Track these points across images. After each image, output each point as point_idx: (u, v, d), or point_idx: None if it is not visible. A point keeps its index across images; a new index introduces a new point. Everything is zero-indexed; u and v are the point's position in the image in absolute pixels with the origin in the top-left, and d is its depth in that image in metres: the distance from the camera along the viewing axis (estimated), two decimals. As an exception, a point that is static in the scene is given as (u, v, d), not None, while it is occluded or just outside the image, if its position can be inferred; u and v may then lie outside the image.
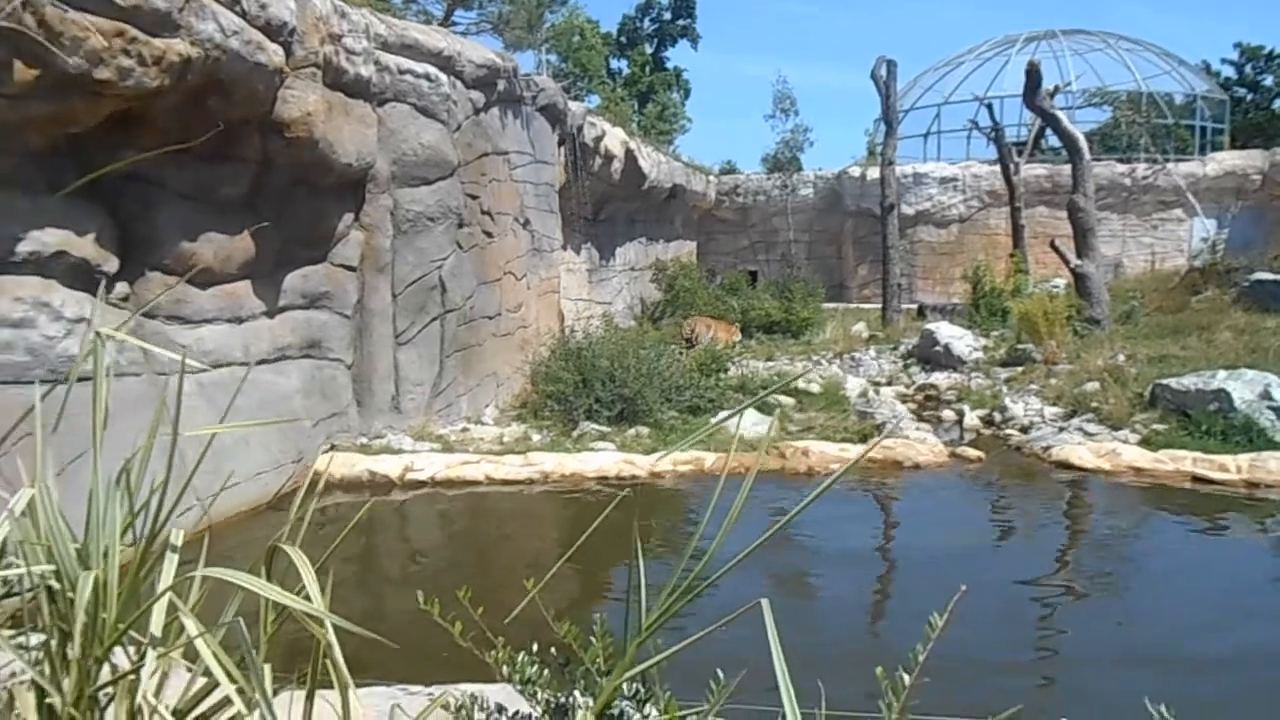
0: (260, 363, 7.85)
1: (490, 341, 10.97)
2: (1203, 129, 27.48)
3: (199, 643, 0.87)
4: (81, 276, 6.10)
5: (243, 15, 6.52)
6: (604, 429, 9.81)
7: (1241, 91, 37.16)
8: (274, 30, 6.90)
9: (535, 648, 1.36)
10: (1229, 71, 37.88)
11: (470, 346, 10.46)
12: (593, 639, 1.29)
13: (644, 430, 9.76)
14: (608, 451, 9.03)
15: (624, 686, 1.15)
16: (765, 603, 1.05)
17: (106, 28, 5.39)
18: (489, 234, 10.84)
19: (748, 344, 16.34)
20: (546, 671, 1.30)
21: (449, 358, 10.02)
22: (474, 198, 10.42)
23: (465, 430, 9.80)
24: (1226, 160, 25.88)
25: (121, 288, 6.64)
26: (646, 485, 8.27)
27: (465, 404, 10.39)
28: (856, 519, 7.66)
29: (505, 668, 1.33)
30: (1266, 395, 9.08)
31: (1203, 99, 27.75)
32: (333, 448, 8.75)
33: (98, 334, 1.18)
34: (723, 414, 10.34)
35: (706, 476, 8.43)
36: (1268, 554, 6.79)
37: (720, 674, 1.26)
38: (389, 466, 8.35)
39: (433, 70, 9.47)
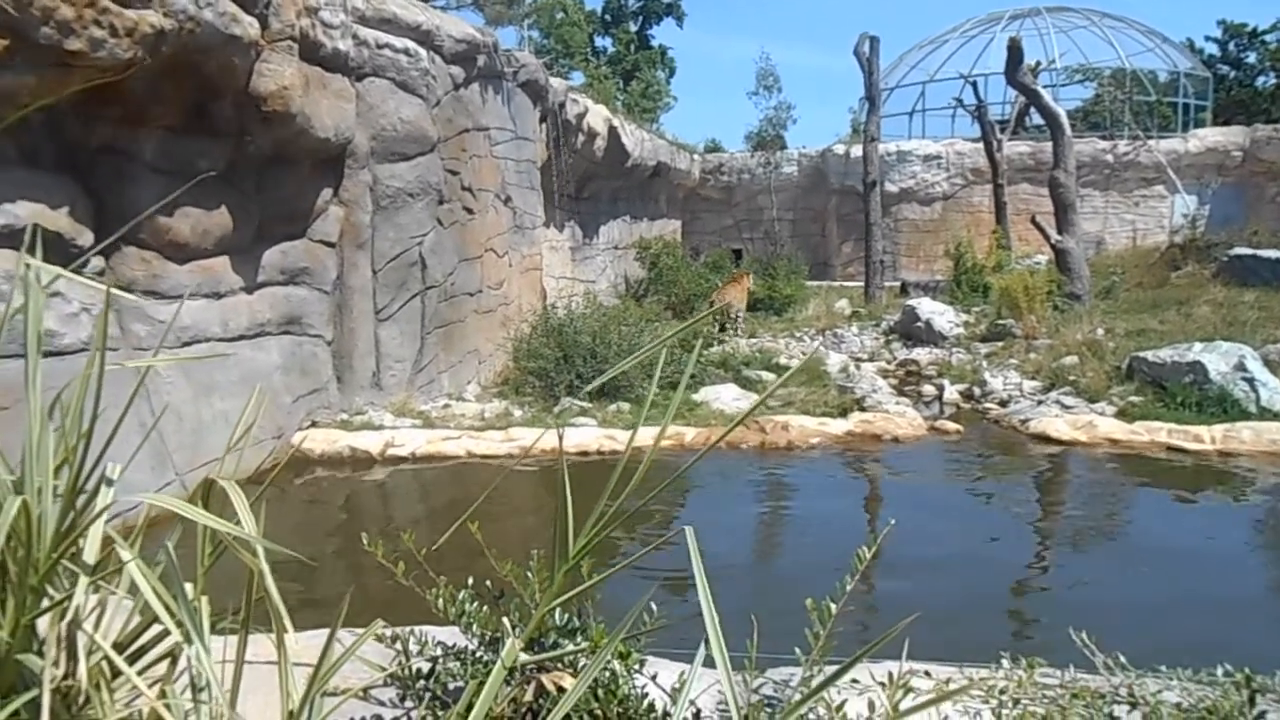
0: (239, 338, 7.84)
1: (472, 318, 10.96)
2: (1185, 106, 27.57)
3: (132, 568, 0.89)
4: (56, 250, 6.06)
5: (216, -13, 6.46)
6: (585, 404, 9.84)
7: (1225, 69, 37.32)
8: (249, 2, 6.84)
9: (471, 582, 1.38)
10: (1212, 49, 38.01)
11: (452, 323, 10.45)
12: (529, 574, 1.31)
13: (625, 406, 9.79)
14: (589, 427, 9.06)
15: (555, 616, 1.18)
16: (689, 530, 1.08)
17: (77, -2, 5.33)
18: (470, 210, 10.81)
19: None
20: (486, 609, 1.33)
21: (430, 334, 10.01)
22: (454, 174, 10.38)
23: (447, 406, 9.81)
24: (1208, 137, 25.98)
25: (97, 262, 6.61)
26: (632, 462, 8.29)
27: (447, 380, 10.40)
28: (832, 486, 7.75)
29: (443, 603, 1.35)
30: (1241, 367, 9.18)
31: (1186, 76, 27.82)
32: (313, 424, 8.76)
33: (26, 265, 1.18)
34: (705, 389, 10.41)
35: (688, 451, 8.48)
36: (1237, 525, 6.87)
37: (654, 608, 1.29)
38: (369, 442, 8.36)
39: (412, 45, 9.41)
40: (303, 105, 7.75)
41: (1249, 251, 15.19)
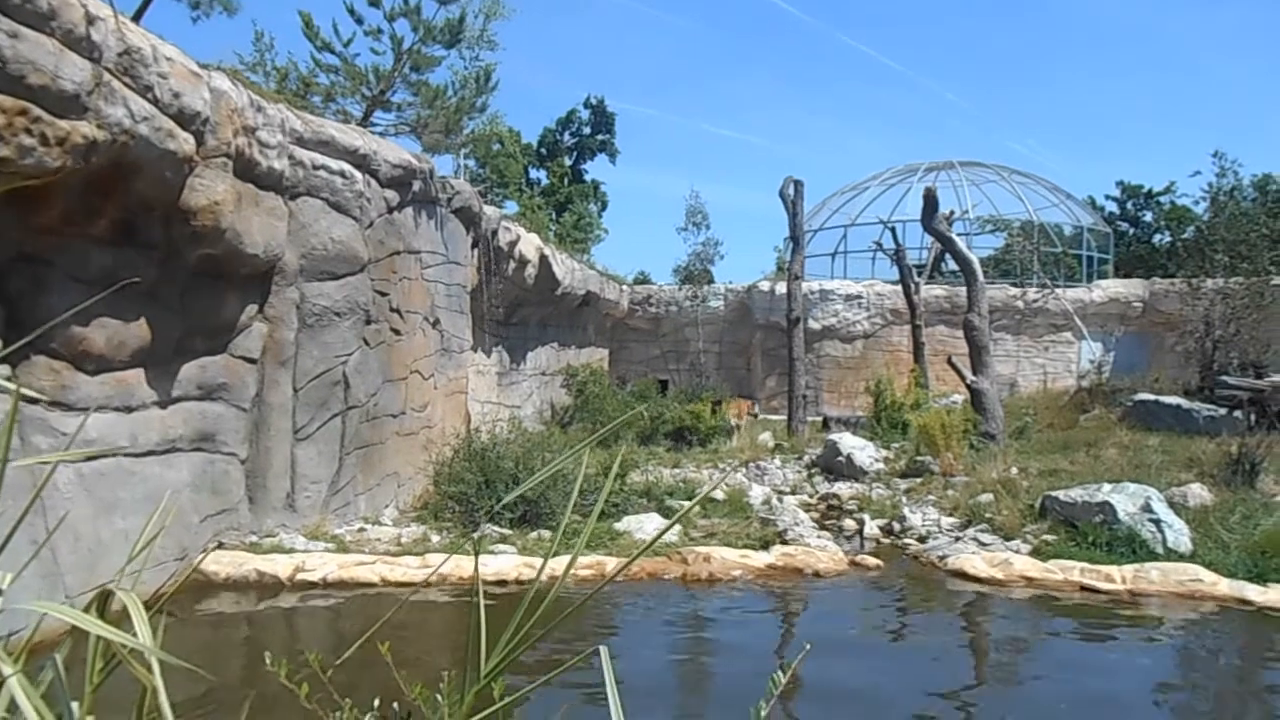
0: (148, 454, 7.57)
1: (393, 440, 10.78)
2: (1089, 258, 29.21)
3: (13, 684, 0.83)
4: (-40, 357, 5.85)
5: (155, 102, 6.51)
6: (505, 531, 9.66)
7: (1124, 225, 39.84)
8: (186, 119, 6.90)
9: (377, 704, 1.32)
10: (1112, 207, 40.70)
11: (372, 444, 10.26)
12: (438, 696, 1.27)
13: (546, 534, 9.63)
14: (508, 555, 8.87)
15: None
16: (604, 649, 1.06)
17: (9, 105, 5.32)
18: (397, 332, 10.78)
19: (654, 450, 16.38)
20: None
21: (349, 455, 9.80)
22: (383, 294, 10.39)
23: (362, 530, 9.53)
24: (1111, 288, 27.49)
25: (3, 370, 6.38)
26: (545, 589, 8.10)
27: (364, 503, 10.13)
28: (752, 619, 7.67)
29: (347, 726, 1.29)
30: (1147, 508, 9.45)
31: (1089, 231, 29.57)
32: (220, 545, 8.41)
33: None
34: (628, 518, 10.30)
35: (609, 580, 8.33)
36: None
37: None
38: (279, 566, 8.04)
39: (347, 167, 9.54)
40: (234, 221, 7.74)
41: (1152, 397, 15.88)
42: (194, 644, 6.65)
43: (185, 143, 6.92)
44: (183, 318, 7.87)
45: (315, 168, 9.11)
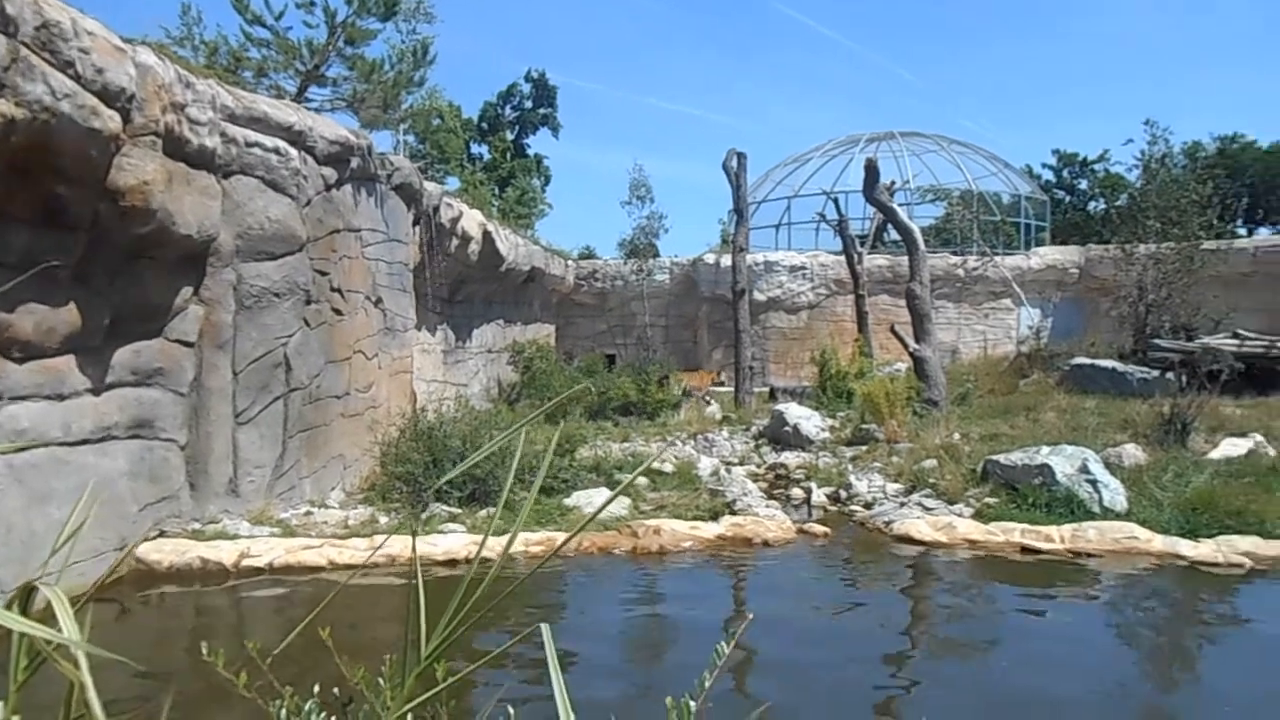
0: (83, 442, 7.37)
1: (338, 422, 10.63)
2: (1027, 226, 29.73)
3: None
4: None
5: (77, 79, 6.27)
6: (454, 510, 9.61)
7: (1060, 194, 40.66)
8: (111, 96, 6.66)
9: (317, 690, 1.30)
10: (1049, 175, 41.49)
11: (316, 427, 10.11)
12: (380, 680, 1.25)
13: (495, 511, 9.58)
14: (457, 534, 8.82)
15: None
16: (545, 627, 1.05)
17: (-80, 84, 5.09)
18: (339, 312, 10.60)
19: (603, 425, 16.39)
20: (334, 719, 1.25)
21: (293, 438, 9.64)
22: (324, 274, 10.20)
23: (308, 514, 9.40)
24: (1048, 255, 28.06)
25: (-75, 360, 6.15)
26: (490, 567, 8.08)
27: (309, 487, 9.99)
28: (703, 590, 7.73)
29: (285, 713, 1.26)
30: (1084, 469, 9.70)
31: (1026, 199, 30.08)
32: (161, 534, 8.23)
33: None
34: (577, 493, 10.31)
35: (558, 556, 8.35)
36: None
37: (510, 710, 1.24)
38: (223, 553, 7.90)
39: (283, 144, 9.32)
40: (165, 201, 7.53)
41: (1088, 361, 16.27)
42: (137, 635, 6.53)
43: (110, 120, 6.69)
44: (114, 301, 7.64)
45: (249, 145, 8.88)
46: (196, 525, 8.55)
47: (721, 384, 20.28)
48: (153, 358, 8.18)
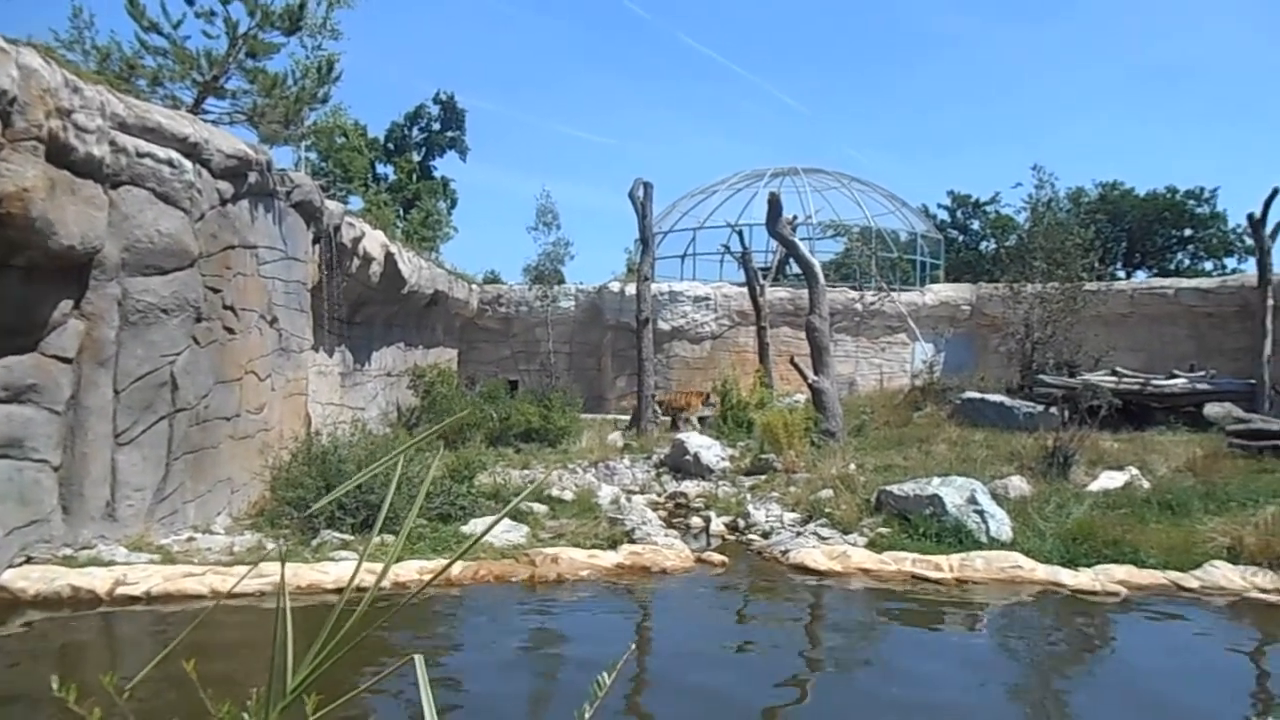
0: (-56, 462, 6.93)
1: (226, 444, 10.25)
2: (922, 263, 30.73)
3: None
4: None
5: (-49, 79, 5.96)
6: (347, 537, 9.34)
7: (954, 233, 42.27)
8: (-11, 98, 6.35)
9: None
10: (944, 215, 43.10)
11: (203, 449, 9.72)
12: (245, 714, 1.19)
13: (390, 538, 9.35)
14: (349, 561, 8.57)
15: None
16: (419, 658, 1.01)
17: None
18: (231, 330, 10.26)
19: (504, 452, 16.22)
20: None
21: (177, 461, 9.25)
22: (216, 291, 9.87)
23: (192, 540, 9.01)
24: (942, 292, 29.04)
25: None
26: (389, 594, 7.88)
27: (193, 511, 9.59)
28: (598, 620, 7.68)
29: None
30: (973, 500, 10.01)
31: (922, 237, 31.10)
32: (28, 560, 7.78)
33: None
34: (474, 521, 10.14)
35: (453, 585, 8.20)
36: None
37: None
38: (96, 581, 7.49)
39: (176, 156, 9.00)
40: (45, 210, 7.19)
41: (978, 395, 16.85)
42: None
43: (-12, 123, 6.37)
44: (-14, 313, 7.25)
45: (140, 155, 8.56)
46: (68, 551, 8.11)
47: (712, 405, 20.06)
48: (25, 373, 7.76)
